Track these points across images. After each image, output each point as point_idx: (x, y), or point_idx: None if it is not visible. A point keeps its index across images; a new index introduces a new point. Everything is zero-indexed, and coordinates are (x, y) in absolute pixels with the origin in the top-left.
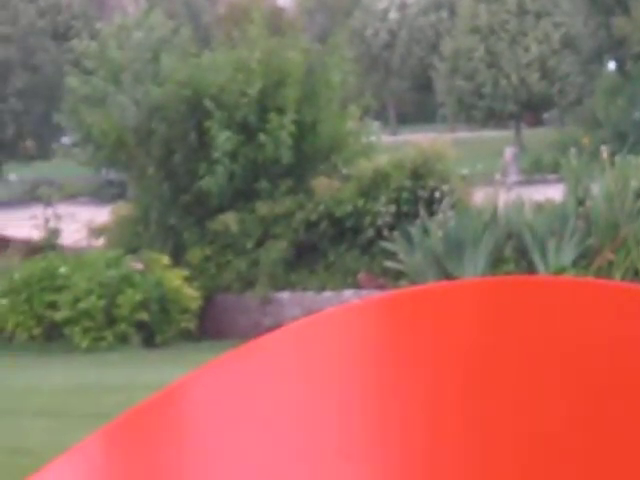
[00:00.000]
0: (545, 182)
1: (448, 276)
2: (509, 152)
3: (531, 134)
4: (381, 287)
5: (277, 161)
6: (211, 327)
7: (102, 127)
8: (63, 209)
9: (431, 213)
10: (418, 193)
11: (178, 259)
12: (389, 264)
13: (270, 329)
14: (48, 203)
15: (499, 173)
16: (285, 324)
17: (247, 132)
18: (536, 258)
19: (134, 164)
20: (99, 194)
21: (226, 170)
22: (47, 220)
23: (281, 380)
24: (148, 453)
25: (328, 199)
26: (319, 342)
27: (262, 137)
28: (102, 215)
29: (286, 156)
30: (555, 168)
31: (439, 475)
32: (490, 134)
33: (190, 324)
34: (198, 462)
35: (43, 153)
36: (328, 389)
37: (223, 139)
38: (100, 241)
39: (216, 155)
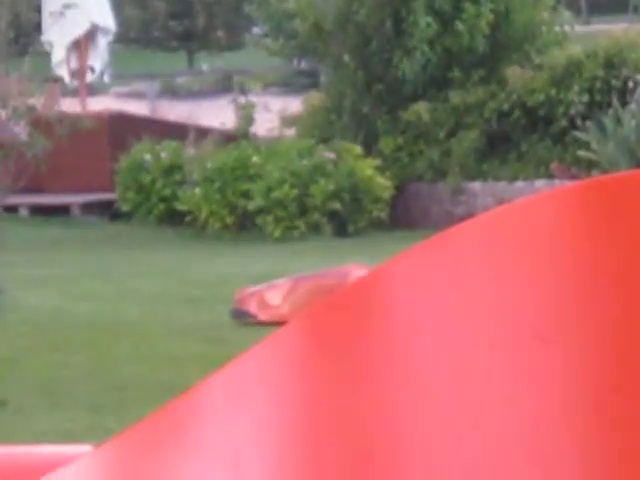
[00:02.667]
0: None
1: None
2: None
3: None
4: (574, 177)
5: (471, 50)
6: (403, 216)
7: (301, 10)
8: (256, 99)
9: (624, 103)
10: (611, 83)
11: (370, 148)
12: (582, 154)
13: (462, 219)
14: (242, 92)
15: None
16: (477, 214)
17: (442, 21)
18: None
19: (328, 52)
20: (290, 84)
21: (423, 57)
22: (240, 109)
23: (473, 270)
24: (344, 338)
25: (520, 88)
26: (511, 232)
27: (459, 25)
28: (294, 105)
29: (481, 45)
30: None
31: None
32: None
33: (382, 213)
34: (393, 350)
35: (234, 43)
36: (520, 278)
37: (424, 25)
38: (292, 131)
39: (413, 42)
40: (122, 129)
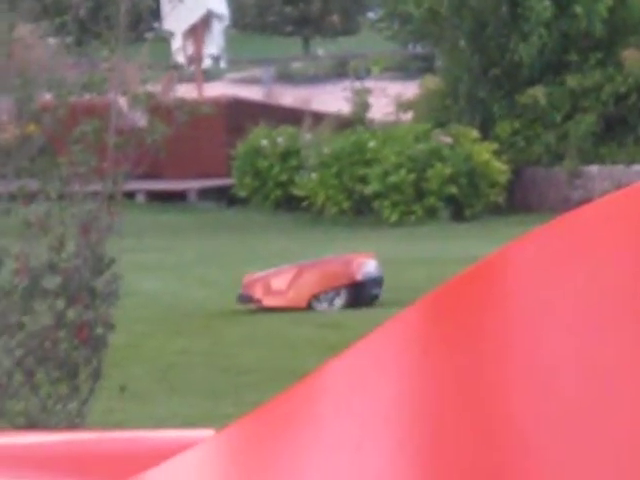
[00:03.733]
0: None
1: None
2: None
3: None
4: None
5: (588, 33)
6: (519, 201)
7: None
8: (371, 83)
9: None
10: None
11: (486, 133)
12: None
13: (579, 203)
14: (358, 77)
15: None
16: (595, 198)
17: (559, 4)
18: None
19: (444, 37)
20: (405, 68)
21: (539, 41)
22: (357, 94)
23: (592, 255)
24: (466, 323)
25: (638, 72)
26: (631, 216)
27: (577, 9)
28: (409, 89)
29: (598, 28)
30: None
31: None
32: None
33: (499, 198)
34: (516, 335)
35: (349, 28)
36: None
37: (541, 9)
38: (408, 115)
39: (530, 26)
40: (239, 115)
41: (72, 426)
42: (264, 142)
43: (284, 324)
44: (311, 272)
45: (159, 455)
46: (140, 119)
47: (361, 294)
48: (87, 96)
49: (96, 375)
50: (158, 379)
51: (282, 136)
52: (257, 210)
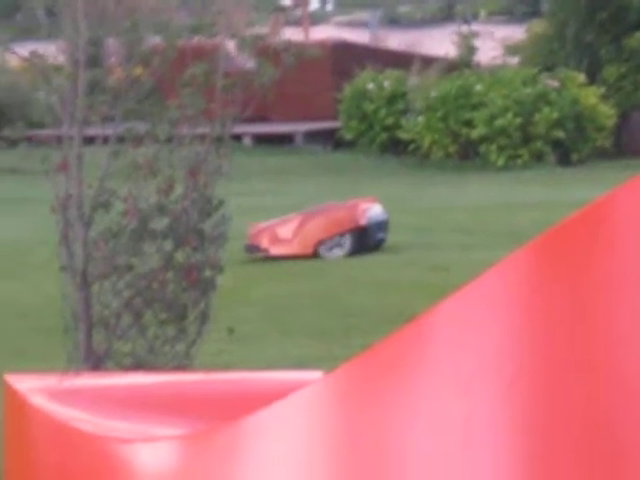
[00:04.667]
0: None
1: None
2: None
3: None
4: None
5: None
6: (626, 145)
7: None
8: (478, 27)
9: None
10: None
11: (593, 77)
12: None
13: None
14: (465, 21)
15: None
16: None
17: None
18: None
19: None
20: (512, 12)
21: None
22: (463, 38)
23: None
24: (575, 266)
25: None
26: None
27: None
28: (516, 33)
29: None
30: None
31: None
32: None
33: (605, 142)
34: (624, 278)
35: None
36: None
37: None
38: (515, 59)
39: None
40: (345, 58)
41: (180, 368)
42: (371, 85)
43: (391, 267)
44: (315, 219)
45: (268, 397)
46: (247, 62)
47: (366, 239)
48: (195, 39)
49: (204, 317)
50: (268, 321)
51: (388, 79)
52: (363, 153)
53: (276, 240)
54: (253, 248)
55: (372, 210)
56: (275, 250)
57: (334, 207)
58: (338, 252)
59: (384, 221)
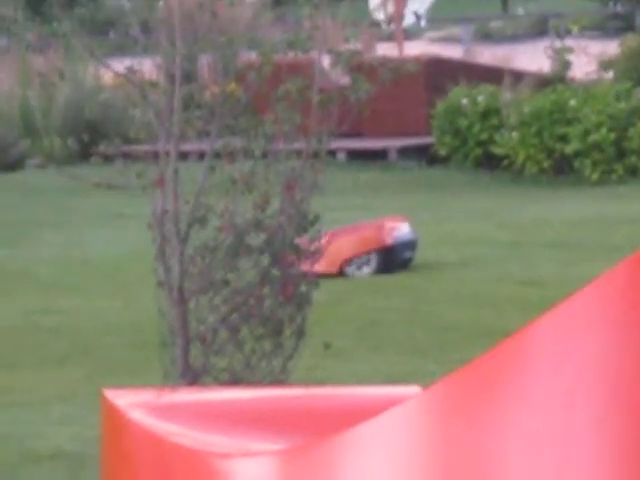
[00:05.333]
0: None
1: None
2: None
3: None
4: None
5: None
6: None
7: None
8: (572, 42)
9: None
10: None
11: None
12: None
13: None
14: (559, 35)
15: None
16: None
17: None
18: None
19: None
20: (605, 27)
21: None
22: (557, 53)
23: None
24: None
25: None
26: None
27: None
28: (609, 48)
29: None
30: None
31: None
32: None
33: None
34: None
35: None
36: None
37: None
38: (609, 74)
39: None
40: (438, 73)
41: (276, 382)
42: (464, 101)
43: (483, 282)
44: (342, 238)
45: (366, 411)
46: (342, 77)
47: (392, 258)
48: (290, 54)
49: (300, 332)
50: (359, 336)
51: (482, 95)
52: (457, 168)
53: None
54: None
55: (399, 229)
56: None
57: (362, 226)
58: (365, 271)
59: (412, 240)
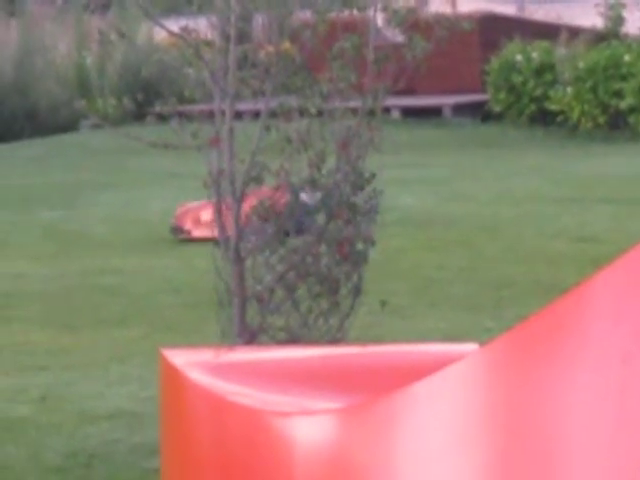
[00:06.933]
0: None
1: None
2: None
3: None
4: None
5: None
6: None
7: None
8: None
9: None
10: None
11: None
12: None
13: None
14: None
15: None
16: None
17: None
18: None
19: None
20: None
21: None
22: (611, 8)
23: None
24: None
25: None
26: None
27: None
28: None
29: None
30: None
31: None
32: None
33: None
34: None
35: None
36: None
37: None
38: None
39: None
40: (493, 30)
41: (333, 341)
42: (518, 57)
43: (539, 238)
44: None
45: (424, 369)
46: (397, 35)
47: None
48: (345, 13)
49: (357, 290)
50: (417, 294)
51: (536, 51)
52: (511, 125)
53: (198, 222)
54: (177, 229)
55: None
56: (197, 232)
57: (258, 192)
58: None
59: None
